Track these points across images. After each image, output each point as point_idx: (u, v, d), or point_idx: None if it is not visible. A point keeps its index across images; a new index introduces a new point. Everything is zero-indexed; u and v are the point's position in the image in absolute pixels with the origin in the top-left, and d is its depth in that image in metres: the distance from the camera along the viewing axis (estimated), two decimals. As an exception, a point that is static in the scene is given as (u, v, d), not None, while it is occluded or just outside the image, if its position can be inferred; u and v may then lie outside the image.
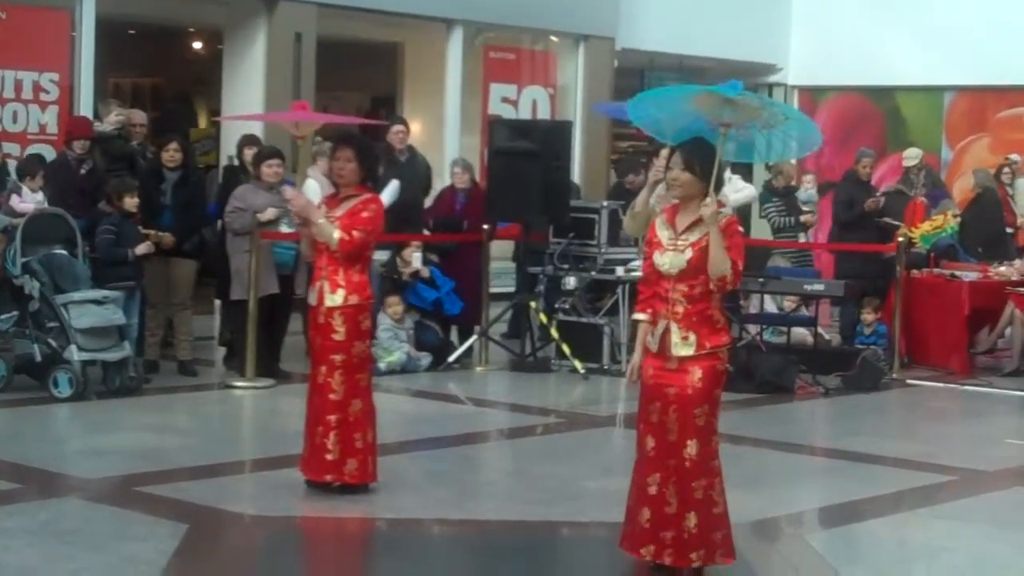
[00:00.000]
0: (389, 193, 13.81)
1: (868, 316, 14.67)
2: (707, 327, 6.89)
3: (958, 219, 15.65)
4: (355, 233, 8.45)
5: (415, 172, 14.97)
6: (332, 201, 8.69)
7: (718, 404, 7.02)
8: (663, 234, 6.97)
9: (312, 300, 8.65)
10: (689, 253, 6.85)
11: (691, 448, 6.86)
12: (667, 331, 6.89)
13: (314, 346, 8.78)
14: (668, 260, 6.89)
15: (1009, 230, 16.72)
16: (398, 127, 14.85)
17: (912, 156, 17.45)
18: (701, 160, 6.90)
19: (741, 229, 7.06)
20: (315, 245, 8.61)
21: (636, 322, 7.11)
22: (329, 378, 8.55)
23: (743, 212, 15.58)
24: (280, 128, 15.24)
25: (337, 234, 8.44)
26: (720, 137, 6.95)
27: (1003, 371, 14.46)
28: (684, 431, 6.88)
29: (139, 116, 14.37)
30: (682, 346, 6.87)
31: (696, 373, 6.89)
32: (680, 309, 6.88)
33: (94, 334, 11.65)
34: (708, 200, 6.79)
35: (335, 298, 8.51)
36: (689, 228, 6.90)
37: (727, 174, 15.25)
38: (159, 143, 13.28)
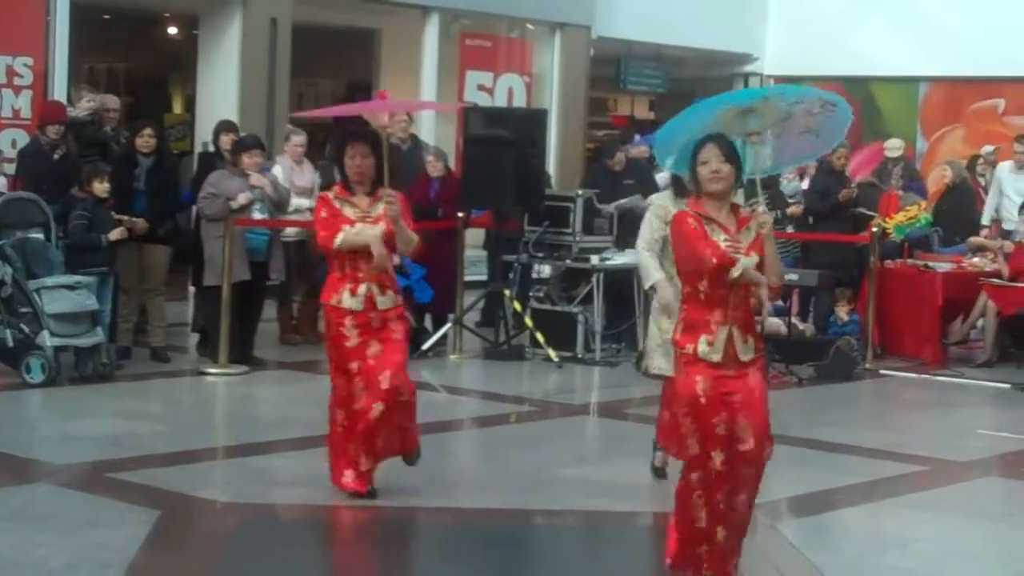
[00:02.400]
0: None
1: (842, 309, 14.69)
2: (753, 328, 6.71)
3: (928, 210, 15.66)
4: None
5: (416, 161, 14.89)
6: (345, 194, 8.31)
7: None
8: (718, 236, 6.59)
9: (360, 305, 8.22)
10: (756, 257, 6.59)
11: (768, 451, 6.67)
12: (731, 337, 6.60)
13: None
14: (744, 263, 6.56)
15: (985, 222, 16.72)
16: (401, 115, 14.77)
17: (895, 147, 17.52)
18: (735, 152, 6.67)
19: None
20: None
21: None
22: None
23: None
24: (256, 115, 15.27)
25: (416, 238, 8.29)
26: (750, 148, 6.74)
27: (976, 362, 14.49)
28: (760, 435, 6.61)
29: (112, 101, 14.32)
30: (745, 350, 6.63)
31: (756, 376, 6.66)
32: (739, 313, 6.62)
33: (67, 320, 11.61)
34: (763, 209, 6.65)
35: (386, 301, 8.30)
36: (741, 230, 6.65)
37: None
38: (133, 128, 13.24)
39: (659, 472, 8.98)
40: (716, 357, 6.57)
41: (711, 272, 6.52)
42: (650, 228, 8.90)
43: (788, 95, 7.00)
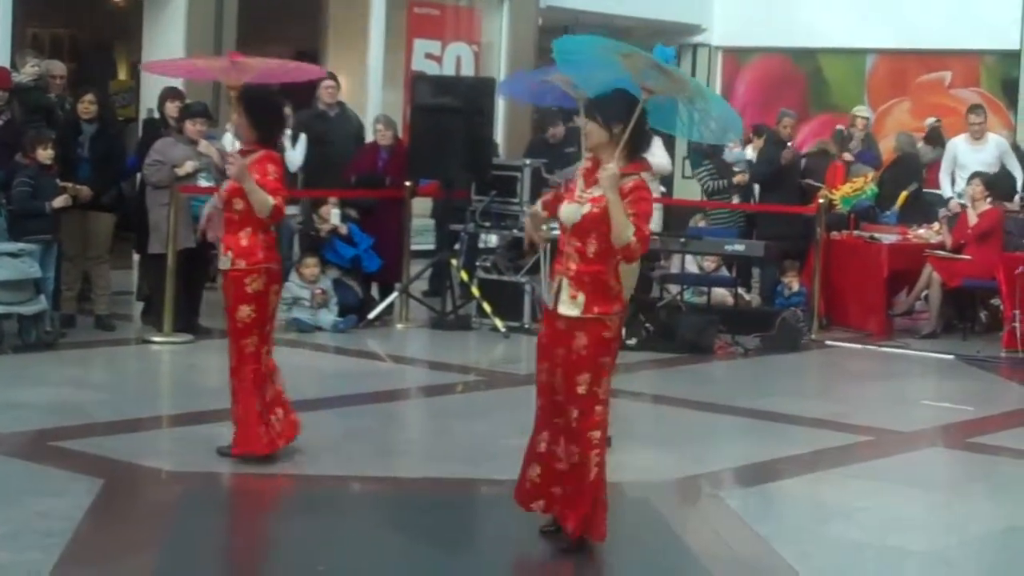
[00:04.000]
0: (300, 150, 13.76)
1: (791, 280, 14.74)
2: (599, 292, 6.67)
3: (874, 181, 15.73)
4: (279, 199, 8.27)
5: (346, 127, 14.87)
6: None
7: (606, 373, 6.77)
8: (578, 184, 6.77)
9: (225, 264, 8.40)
10: (588, 208, 6.63)
11: (573, 414, 6.75)
12: (559, 287, 6.72)
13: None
14: (567, 211, 6.70)
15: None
16: (328, 82, 14.70)
17: (864, 112, 17.71)
18: (604, 109, 6.69)
19: (653, 193, 6.94)
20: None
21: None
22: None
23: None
24: (202, 82, 15.13)
25: (272, 201, 8.17)
26: (640, 100, 6.69)
27: (920, 333, 14.58)
28: (568, 397, 6.76)
29: (59, 68, 14.15)
30: (570, 305, 6.67)
31: (582, 339, 6.68)
32: (573, 266, 6.67)
33: (9, 287, 11.51)
34: (609, 164, 6.57)
35: (224, 262, 8.38)
36: (596, 184, 6.67)
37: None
38: (76, 95, 13.12)
39: None
40: (549, 303, 6.79)
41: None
42: None
43: (693, 81, 7.19)
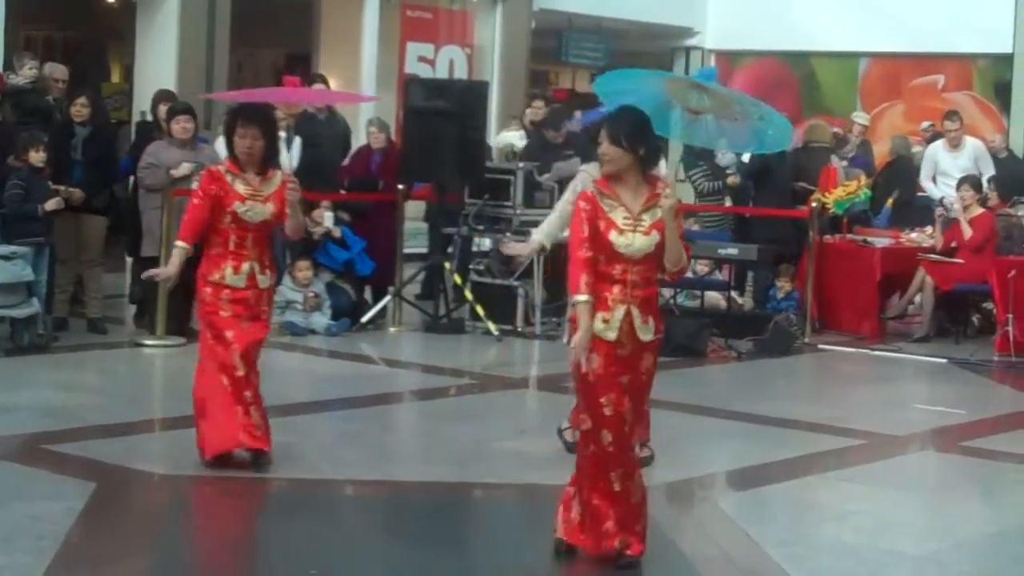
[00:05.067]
0: (294, 152, 13.74)
1: (784, 284, 14.75)
2: (656, 310, 6.70)
3: (868, 185, 15.74)
4: None
5: (334, 132, 14.87)
6: (236, 168, 8.29)
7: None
8: (615, 214, 6.56)
9: (243, 283, 8.25)
10: (656, 236, 6.54)
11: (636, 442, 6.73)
12: (628, 315, 6.58)
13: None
14: (634, 242, 6.52)
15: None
16: (318, 85, 14.72)
17: (863, 117, 17.75)
18: (629, 131, 6.58)
19: None
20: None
21: (577, 304, 6.49)
22: None
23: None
24: (195, 85, 15.15)
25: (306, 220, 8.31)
26: (685, 121, 6.73)
27: (913, 336, 14.57)
28: (637, 418, 6.68)
29: (60, 71, 14.02)
30: (644, 331, 6.61)
31: (648, 360, 6.67)
32: (639, 293, 6.60)
33: (2, 290, 11.50)
34: (668, 191, 6.56)
35: (264, 280, 8.34)
36: (646, 209, 6.57)
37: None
38: (69, 98, 13.09)
39: (571, 447, 8.79)
40: (611, 335, 6.57)
41: (591, 249, 6.52)
42: (572, 192, 8.97)
43: (744, 101, 7.03)
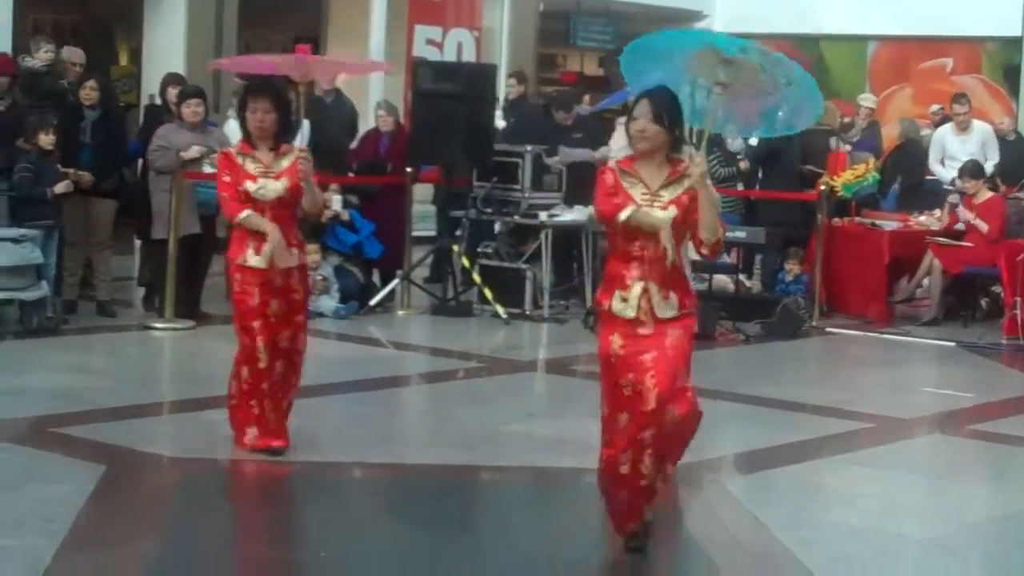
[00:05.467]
0: (303, 135, 13.73)
1: (793, 267, 14.75)
2: (685, 286, 6.58)
3: (876, 168, 15.72)
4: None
5: (341, 114, 14.88)
6: (248, 148, 8.24)
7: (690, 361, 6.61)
8: (635, 191, 6.47)
9: (265, 263, 8.16)
10: (674, 211, 6.41)
11: (672, 414, 6.47)
12: (645, 292, 6.48)
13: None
14: (654, 217, 6.41)
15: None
16: (326, 71, 14.70)
17: (870, 99, 17.70)
18: (669, 110, 6.49)
19: None
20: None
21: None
22: None
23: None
24: (204, 67, 15.13)
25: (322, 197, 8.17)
26: (714, 98, 6.56)
27: (921, 320, 14.57)
28: (664, 397, 6.43)
29: (77, 55, 13.94)
30: (665, 307, 6.49)
31: (675, 335, 6.49)
32: (658, 269, 6.48)
33: (11, 273, 11.51)
34: (698, 159, 6.42)
35: (292, 258, 8.25)
36: (665, 185, 6.48)
37: (618, 121, 15.21)
38: (78, 81, 13.09)
39: None
40: (629, 313, 6.51)
41: (614, 226, 6.50)
42: None
43: (768, 58, 6.76)
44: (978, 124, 16.76)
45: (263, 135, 8.20)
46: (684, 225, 6.49)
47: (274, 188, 8.15)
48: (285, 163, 8.20)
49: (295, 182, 8.16)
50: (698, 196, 6.42)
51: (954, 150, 16.24)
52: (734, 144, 15.75)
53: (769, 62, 6.75)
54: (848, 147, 16.21)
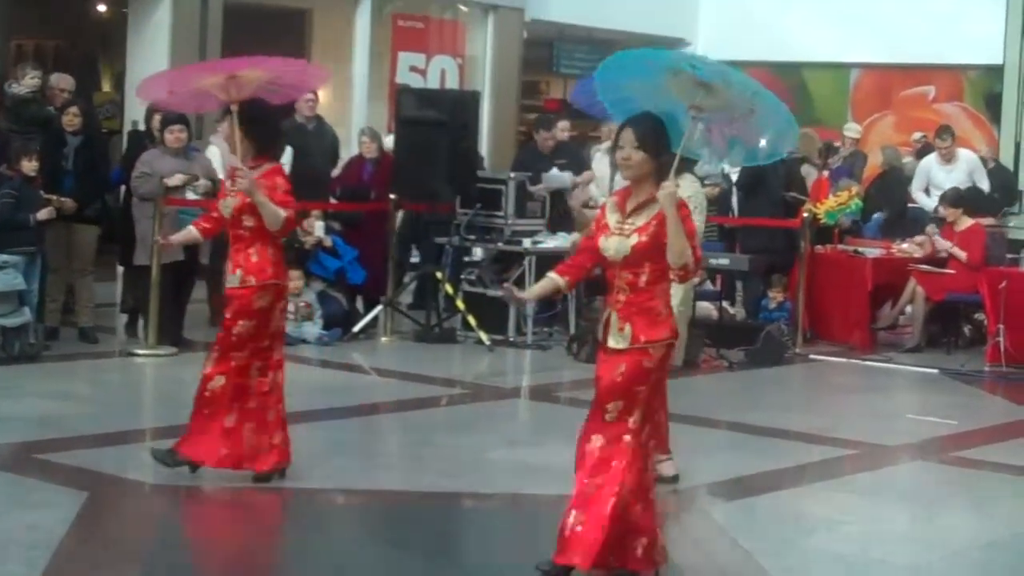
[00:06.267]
0: (286, 161, 13.73)
1: (777, 294, 14.78)
2: (647, 319, 6.46)
3: (859, 195, 15.77)
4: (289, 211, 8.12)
5: (322, 141, 14.88)
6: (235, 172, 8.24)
7: (639, 403, 6.47)
8: (611, 218, 6.49)
9: (236, 283, 8.18)
10: (634, 239, 6.39)
11: (595, 442, 6.51)
12: (607, 321, 6.50)
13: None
14: (613, 245, 6.43)
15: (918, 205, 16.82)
16: (307, 95, 14.70)
17: (854, 130, 17.78)
18: (654, 136, 6.44)
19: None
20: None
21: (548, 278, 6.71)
22: None
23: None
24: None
25: (283, 214, 8.03)
26: (690, 122, 6.48)
27: (904, 347, 14.60)
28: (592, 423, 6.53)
29: (66, 81, 13.93)
30: (617, 338, 6.47)
31: (620, 367, 6.43)
32: (622, 298, 6.46)
33: (-7, 299, 11.50)
34: (667, 182, 6.33)
35: (233, 280, 8.20)
36: (636, 211, 6.44)
37: (595, 148, 15.22)
38: (61, 107, 13.08)
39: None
40: (600, 337, 6.61)
41: (583, 246, 6.73)
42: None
43: (747, 88, 6.65)
44: (964, 153, 16.85)
45: (234, 152, 8.25)
46: (654, 251, 6.42)
47: (229, 205, 8.19)
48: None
49: (243, 199, 8.09)
50: (666, 219, 6.37)
51: (939, 180, 16.30)
52: (702, 169, 15.78)
53: (735, 84, 6.62)
54: (826, 173, 16.26)
